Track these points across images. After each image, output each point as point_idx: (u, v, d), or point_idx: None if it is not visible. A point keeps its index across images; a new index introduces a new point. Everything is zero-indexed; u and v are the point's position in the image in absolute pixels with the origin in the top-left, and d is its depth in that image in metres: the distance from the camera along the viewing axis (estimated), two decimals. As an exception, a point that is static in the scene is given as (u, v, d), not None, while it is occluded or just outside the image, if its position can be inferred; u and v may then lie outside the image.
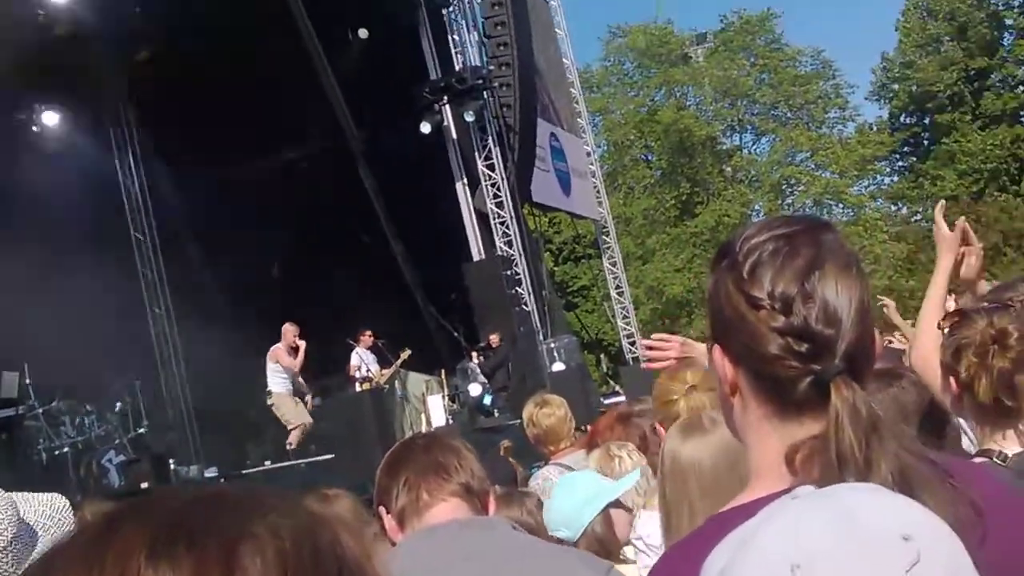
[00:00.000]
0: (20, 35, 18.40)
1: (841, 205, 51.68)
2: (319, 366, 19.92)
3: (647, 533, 3.69)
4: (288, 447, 17.23)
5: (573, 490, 3.94)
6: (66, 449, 15.08)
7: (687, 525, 2.71)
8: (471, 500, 2.85)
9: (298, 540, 0.84)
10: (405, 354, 18.68)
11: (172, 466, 16.00)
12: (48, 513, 2.51)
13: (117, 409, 16.70)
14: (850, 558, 0.97)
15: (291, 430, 17.04)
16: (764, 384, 1.61)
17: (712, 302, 1.69)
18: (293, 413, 17.09)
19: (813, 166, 53.19)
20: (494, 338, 20.86)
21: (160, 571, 0.79)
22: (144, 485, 13.61)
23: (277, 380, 17.15)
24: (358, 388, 18.08)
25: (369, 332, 18.83)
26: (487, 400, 19.87)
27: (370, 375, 18.13)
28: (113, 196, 20.48)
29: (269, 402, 17.23)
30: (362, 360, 18.54)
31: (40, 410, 15.08)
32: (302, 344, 17.03)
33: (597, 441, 5.46)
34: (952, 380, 3.02)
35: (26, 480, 14.08)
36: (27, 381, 15.02)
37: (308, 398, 17.92)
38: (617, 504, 3.94)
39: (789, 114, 54.84)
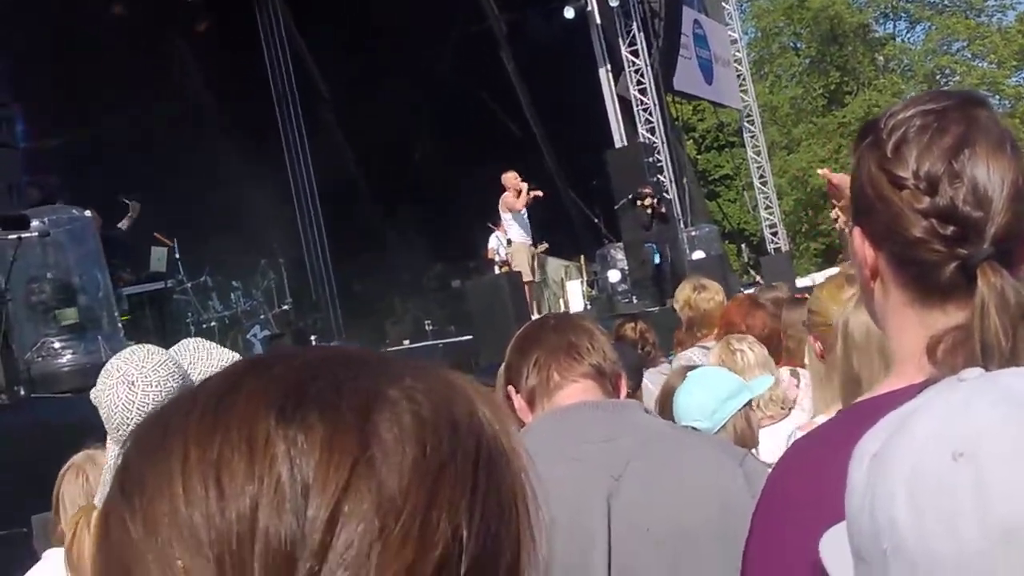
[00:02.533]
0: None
1: (999, 97, 49.84)
2: (462, 250, 20.14)
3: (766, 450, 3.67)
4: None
5: (712, 383, 3.89)
6: (213, 323, 15.48)
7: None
8: (602, 382, 2.79)
9: (436, 406, 0.79)
10: (542, 246, 18.70)
11: (314, 342, 16.35)
12: (208, 361, 2.61)
13: (263, 286, 17.09)
14: (1019, 446, 0.92)
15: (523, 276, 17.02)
16: (907, 269, 1.53)
17: (854, 182, 1.61)
18: (524, 266, 17.19)
19: (970, 56, 51.34)
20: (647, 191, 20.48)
21: (290, 437, 0.74)
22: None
23: (513, 230, 17.32)
24: (496, 271, 18.20)
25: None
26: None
27: (507, 258, 18.21)
28: (261, 82, 20.77)
29: (506, 252, 17.42)
30: (499, 243, 18.63)
31: (188, 284, 15.47)
32: (524, 186, 17.11)
33: (726, 330, 5.43)
34: None
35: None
36: (176, 256, 15.42)
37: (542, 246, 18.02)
38: (750, 406, 3.91)
39: (946, 1, 52.93)
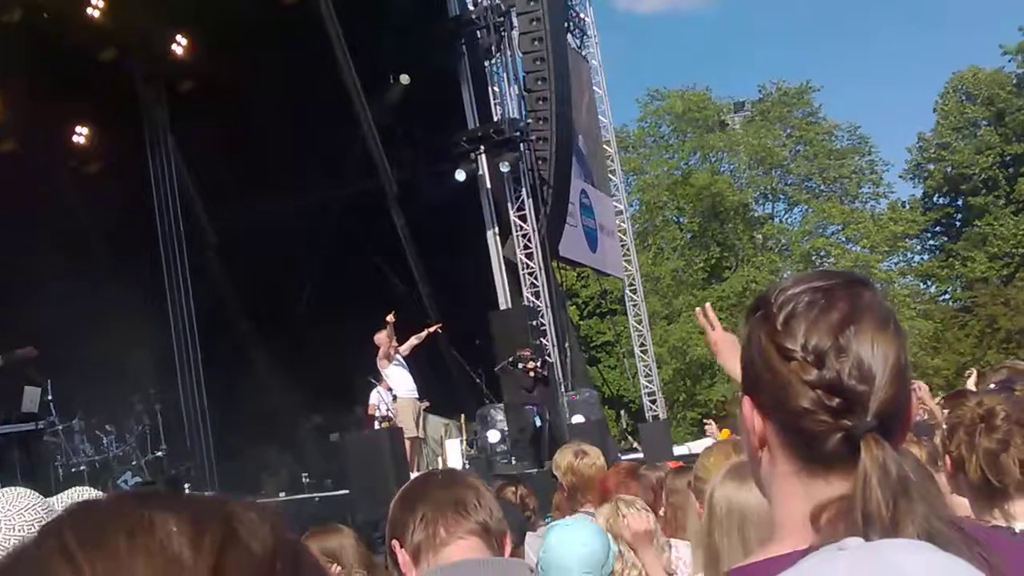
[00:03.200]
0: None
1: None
2: (342, 402, 19.94)
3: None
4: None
5: (571, 544, 3.85)
6: (83, 467, 15.08)
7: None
8: (488, 539, 2.78)
9: (272, 525, 0.89)
10: (423, 404, 18.64)
11: (187, 490, 15.97)
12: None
13: (137, 431, 16.72)
14: None
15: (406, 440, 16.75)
16: (793, 439, 1.56)
17: (744, 354, 1.66)
18: (410, 422, 16.89)
19: (844, 239, 53.12)
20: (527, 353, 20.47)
21: (161, 516, 0.83)
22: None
23: (399, 384, 16.98)
24: (376, 426, 18.04)
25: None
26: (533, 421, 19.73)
27: (389, 414, 18.07)
28: (147, 220, 20.61)
29: (392, 406, 17.09)
30: (381, 399, 18.51)
31: (60, 427, 15.09)
32: (390, 318, 16.79)
33: (603, 496, 5.44)
34: (948, 458, 3.02)
35: (43, 494, 14.09)
36: (49, 397, 15.05)
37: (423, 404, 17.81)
38: None
39: (823, 186, 54.87)
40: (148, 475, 15.91)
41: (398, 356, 17.10)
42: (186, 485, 16.19)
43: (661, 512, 5.29)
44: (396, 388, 17.09)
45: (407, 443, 16.26)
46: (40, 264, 18.44)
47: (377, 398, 18.46)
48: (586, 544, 3.83)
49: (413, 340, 17.56)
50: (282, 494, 17.99)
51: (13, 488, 2.52)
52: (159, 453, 16.83)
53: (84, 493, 2.57)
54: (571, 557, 3.74)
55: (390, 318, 16.74)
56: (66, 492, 2.58)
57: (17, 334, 15.82)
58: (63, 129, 21.38)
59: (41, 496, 2.49)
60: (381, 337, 16.91)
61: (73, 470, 14.95)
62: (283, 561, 0.85)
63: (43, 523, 2.34)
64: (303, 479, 18.32)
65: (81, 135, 21.82)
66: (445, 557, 2.70)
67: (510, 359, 20.53)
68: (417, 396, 17.35)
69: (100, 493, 2.58)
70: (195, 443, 19.70)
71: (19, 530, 2.38)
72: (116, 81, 20.45)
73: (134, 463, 15.96)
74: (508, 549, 2.87)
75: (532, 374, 20.22)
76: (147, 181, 20.74)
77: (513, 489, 7.43)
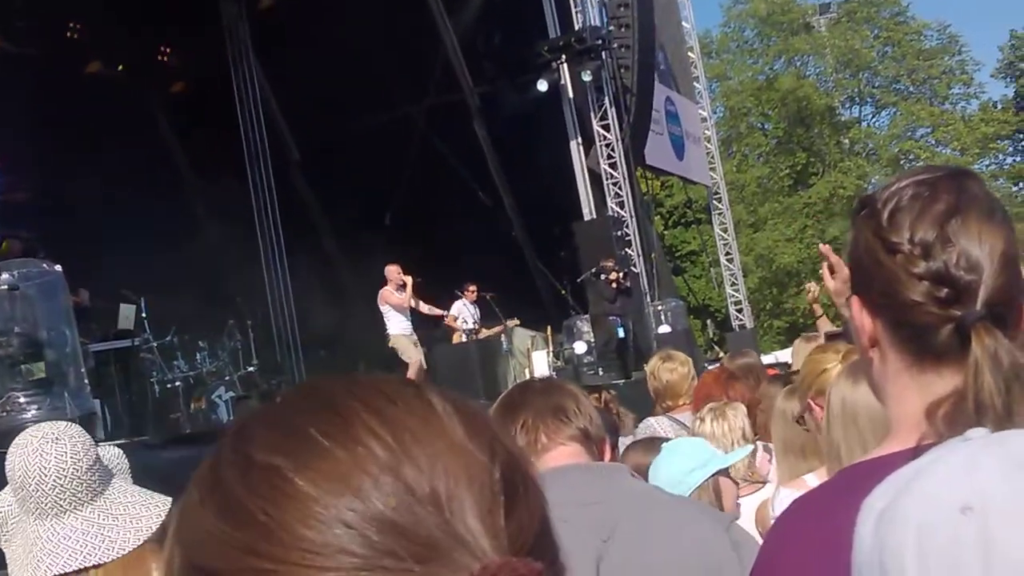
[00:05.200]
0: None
1: (962, 184, 50.40)
2: (425, 316, 20.13)
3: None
4: None
5: (681, 454, 3.87)
6: (177, 383, 15.39)
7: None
8: (588, 445, 2.78)
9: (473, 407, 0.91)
10: (513, 322, 18.81)
11: (280, 403, 16.24)
12: (113, 456, 2.59)
13: (229, 347, 17.01)
14: (1022, 503, 0.94)
15: (410, 366, 17.03)
16: (903, 334, 1.56)
17: (851, 253, 1.66)
18: (411, 351, 17.12)
19: (933, 142, 52.09)
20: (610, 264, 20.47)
21: (436, 399, 0.87)
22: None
23: (393, 322, 17.21)
24: (454, 339, 18.25)
25: (474, 287, 18.91)
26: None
27: (473, 326, 18.24)
28: (232, 139, 20.81)
29: (390, 344, 17.31)
30: (461, 312, 18.66)
31: (155, 343, 15.39)
32: (408, 279, 17.06)
33: (704, 401, 5.45)
34: None
35: (139, 410, 14.48)
36: (143, 315, 15.34)
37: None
38: (725, 474, 3.88)
39: (911, 88, 53.75)
40: (241, 390, 16.21)
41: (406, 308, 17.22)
42: (278, 400, 16.48)
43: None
44: (390, 325, 17.18)
45: (416, 366, 16.66)
46: (129, 184, 18.75)
47: (458, 309, 18.62)
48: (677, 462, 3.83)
49: (424, 308, 17.62)
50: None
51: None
52: (251, 368, 17.13)
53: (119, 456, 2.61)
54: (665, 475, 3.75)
55: (410, 280, 16.94)
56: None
57: (110, 254, 16.16)
58: (148, 50, 21.56)
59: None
60: (393, 273, 17.04)
61: (168, 385, 15.28)
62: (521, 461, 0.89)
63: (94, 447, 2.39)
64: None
65: (166, 55, 21.99)
66: (546, 463, 2.71)
67: (593, 270, 20.50)
68: (411, 331, 17.42)
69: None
70: (285, 358, 20.03)
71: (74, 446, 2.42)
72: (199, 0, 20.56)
73: (227, 378, 16.25)
74: (608, 454, 2.88)
75: (615, 285, 20.18)
76: (231, 100, 20.90)
77: (597, 396, 7.48)
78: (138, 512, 2.41)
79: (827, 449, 2.97)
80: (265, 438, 0.84)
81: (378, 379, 0.89)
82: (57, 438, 2.41)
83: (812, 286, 10.03)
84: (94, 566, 2.33)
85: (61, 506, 2.34)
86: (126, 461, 2.59)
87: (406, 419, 0.83)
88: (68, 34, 18.68)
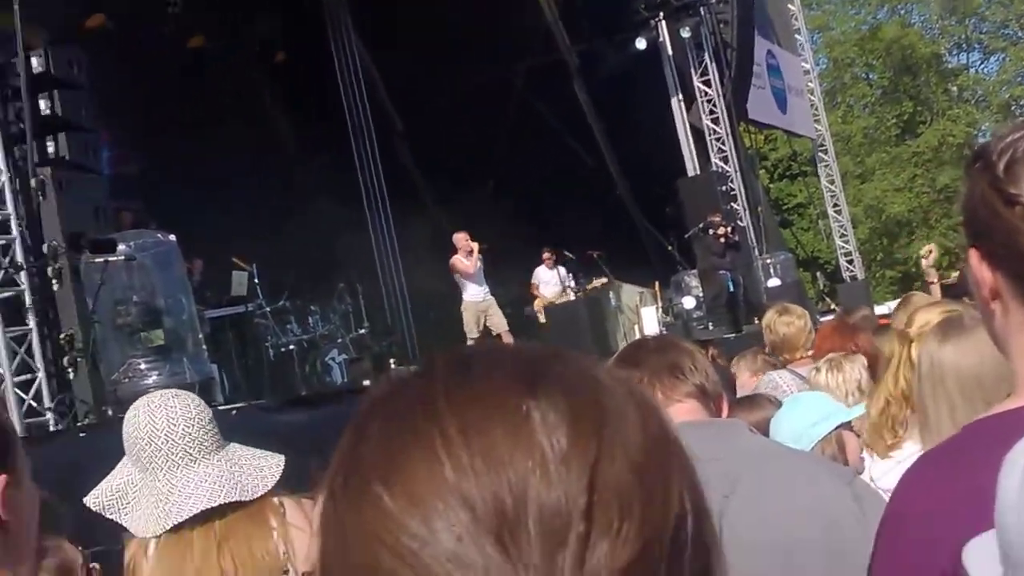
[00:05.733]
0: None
1: (1074, 127, 48.99)
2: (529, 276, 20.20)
3: (879, 476, 3.62)
4: None
5: (804, 407, 3.86)
6: (292, 346, 15.61)
7: (948, 430, 2.65)
8: (705, 402, 2.79)
9: (638, 391, 0.87)
10: (599, 281, 18.90)
11: (392, 365, 16.45)
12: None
13: (340, 310, 17.23)
14: None
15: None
16: None
17: (966, 206, 1.62)
18: (468, 325, 17.37)
19: (1045, 86, 50.79)
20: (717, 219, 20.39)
21: (542, 409, 0.80)
22: (366, 383, 13.99)
23: (465, 290, 17.45)
24: (536, 305, 18.48)
25: (549, 252, 19.26)
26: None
27: (563, 287, 18.47)
28: (334, 109, 21.00)
29: (461, 309, 17.56)
30: (540, 278, 18.95)
31: (268, 308, 15.64)
32: (475, 245, 17.21)
33: (826, 353, 5.42)
34: None
35: (255, 374, 14.75)
36: (256, 281, 15.60)
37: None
38: (848, 427, 3.85)
39: (1020, 33, 52.25)
40: (354, 352, 16.42)
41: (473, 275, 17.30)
42: (391, 361, 16.66)
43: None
44: (464, 294, 17.35)
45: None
46: (236, 155, 19.04)
47: (537, 277, 18.96)
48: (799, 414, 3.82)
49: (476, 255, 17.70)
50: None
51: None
52: (362, 331, 17.34)
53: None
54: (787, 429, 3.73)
55: (476, 246, 17.21)
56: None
57: (221, 225, 16.46)
58: (249, 22, 21.79)
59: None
60: (461, 240, 17.16)
61: (283, 349, 15.52)
62: (656, 455, 0.83)
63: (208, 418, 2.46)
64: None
65: (266, 25, 22.21)
66: (664, 420, 2.71)
67: (700, 225, 20.39)
68: (483, 298, 17.49)
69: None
70: (395, 320, 20.25)
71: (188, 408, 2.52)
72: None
73: (340, 341, 16.47)
74: (726, 410, 2.89)
75: (723, 239, 20.06)
76: (332, 70, 21.08)
77: (704, 351, 7.44)
78: (259, 463, 2.51)
79: (917, 405, 2.95)
80: (360, 450, 0.83)
81: (479, 375, 0.84)
82: (176, 395, 2.55)
83: (931, 250, 9.88)
84: (217, 511, 2.42)
85: (191, 455, 2.45)
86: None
87: (492, 433, 0.79)
88: (169, 9, 18.93)
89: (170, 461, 2.45)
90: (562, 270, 19.57)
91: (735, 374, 7.01)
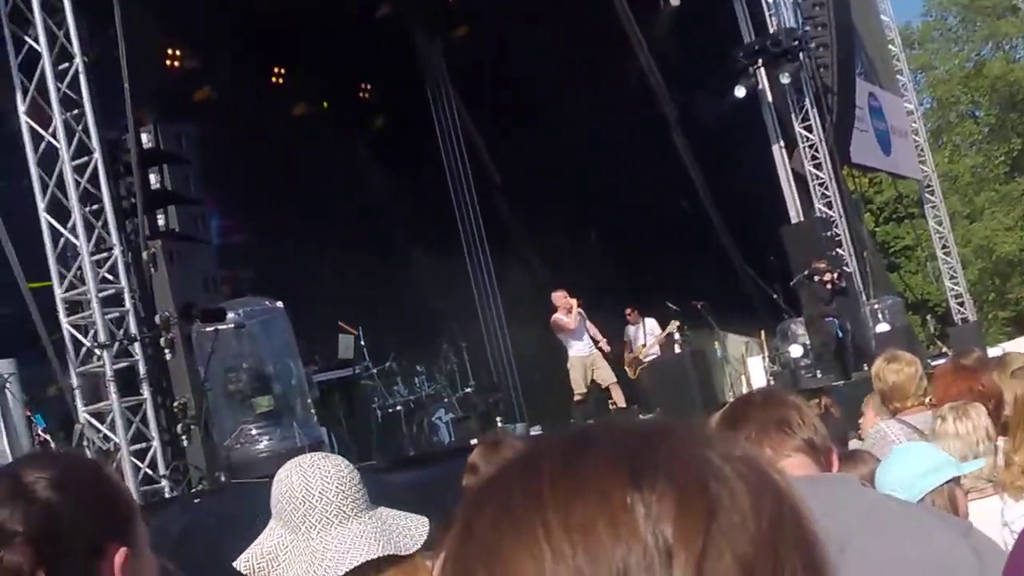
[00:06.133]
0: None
1: None
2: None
3: (1013, 519, 3.54)
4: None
5: (914, 457, 3.77)
6: (399, 407, 15.70)
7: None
8: (815, 456, 2.75)
9: (755, 473, 0.84)
10: (673, 327, 18.85)
11: (499, 423, 16.48)
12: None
13: (446, 369, 17.32)
14: None
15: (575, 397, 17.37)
16: None
17: None
18: (576, 381, 17.40)
19: None
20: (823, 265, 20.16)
21: (646, 500, 0.78)
22: (473, 441, 14.04)
23: (570, 347, 17.50)
24: (626, 363, 18.41)
25: (630, 309, 19.42)
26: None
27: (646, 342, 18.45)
28: (437, 171, 21.26)
29: (568, 367, 17.58)
30: (629, 336, 18.96)
31: (375, 370, 15.77)
32: (574, 302, 17.23)
33: (947, 398, 5.31)
34: None
35: (364, 436, 14.88)
36: (362, 343, 15.76)
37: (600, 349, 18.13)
38: (958, 483, 3.76)
39: (1125, 63, 51.23)
40: (460, 411, 16.48)
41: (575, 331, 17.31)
42: (498, 419, 16.69)
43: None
44: (569, 351, 17.33)
45: (577, 398, 17.25)
46: (340, 219, 19.34)
47: (628, 335, 18.85)
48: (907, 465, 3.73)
49: (591, 329, 17.64)
50: (590, 420, 18.31)
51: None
52: (468, 389, 17.40)
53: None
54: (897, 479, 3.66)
55: (575, 303, 17.23)
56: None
57: (327, 290, 16.68)
58: (349, 88, 22.21)
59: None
60: (560, 299, 17.16)
61: (390, 411, 15.63)
62: (767, 543, 0.80)
63: (356, 483, 2.50)
64: (609, 407, 18.60)
65: (367, 91, 22.60)
66: (773, 478, 2.67)
67: (806, 272, 20.17)
68: (588, 352, 17.45)
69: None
70: (501, 377, 20.30)
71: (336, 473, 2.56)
72: (394, 35, 21.08)
73: (446, 400, 16.56)
74: (836, 464, 2.84)
75: (829, 286, 19.81)
76: (432, 130, 21.35)
77: (817, 401, 7.35)
78: (407, 523, 2.56)
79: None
80: (467, 542, 0.83)
81: (583, 464, 0.82)
82: (326, 456, 2.63)
83: None
84: (374, 568, 2.47)
85: (345, 512, 2.50)
86: None
87: (595, 526, 0.78)
88: (273, 79, 19.38)
89: (324, 520, 2.51)
90: (649, 322, 19.52)
91: (863, 412, 6.88)
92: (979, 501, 4.48)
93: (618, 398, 17.54)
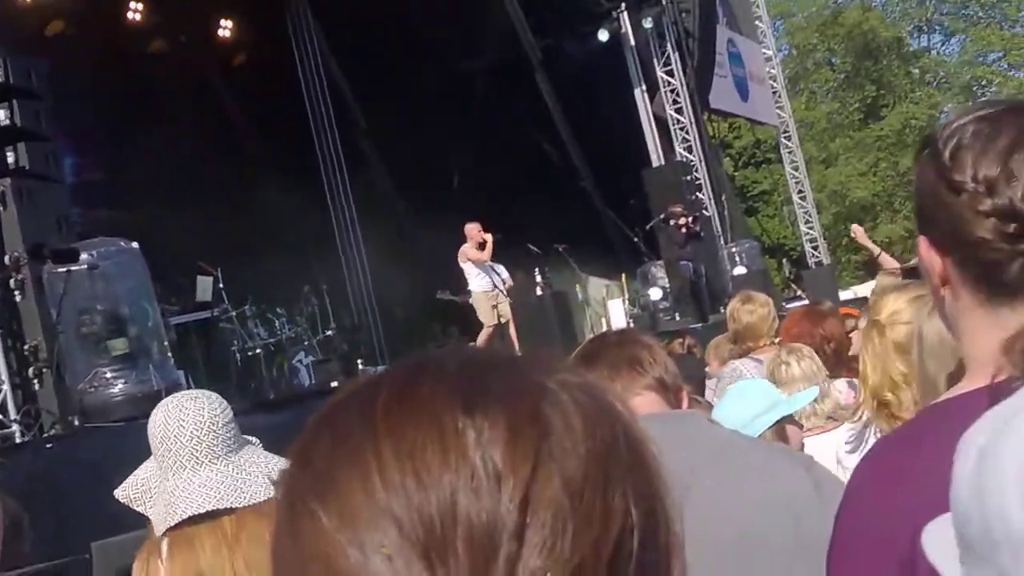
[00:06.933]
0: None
1: (1035, 106, 49.34)
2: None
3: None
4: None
5: (747, 398, 3.83)
6: (258, 350, 15.57)
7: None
8: (665, 395, 2.79)
9: (590, 396, 0.84)
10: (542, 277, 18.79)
11: (360, 366, 16.43)
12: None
13: (306, 312, 17.18)
14: None
15: (483, 330, 17.12)
16: (973, 271, 1.55)
17: (916, 193, 1.65)
18: (484, 315, 17.18)
19: (1006, 66, 51.04)
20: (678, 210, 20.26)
21: (477, 427, 0.78)
22: (334, 384, 13.97)
23: (474, 280, 17.23)
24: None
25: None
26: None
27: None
28: (297, 108, 20.94)
29: (470, 302, 17.34)
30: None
31: (233, 313, 15.57)
32: (488, 237, 17.02)
33: (796, 339, 5.44)
34: None
35: (222, 379, 14.70)
36: (220, 285, 15.53)
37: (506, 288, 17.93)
38: (791, 420, 3.86)
39: (981, 13, 52.57)
40: (321, 354, 16.38)
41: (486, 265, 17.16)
42: (359, 361, 16.64)
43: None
44: (472, 283, 17.12)
45: (486, 331, 16.61)
46: (199, 158, 18.94)
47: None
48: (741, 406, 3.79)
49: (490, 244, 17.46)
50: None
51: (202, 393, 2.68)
52: (329, 332, 17.29)
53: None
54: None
55: (490, 238, 16.81)
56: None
57: (184, 229, 16.36)
58: (208, 25, 21.70)
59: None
60: (473, 231, 16.95)
61: (249, 353, 15.48)
62: (598, 469, 0.80)
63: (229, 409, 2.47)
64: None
65: (226, 28, 22.11)
66: (624, 414, 2.70)
67: (662, 216, 20.42)
68: (493, 287, 17.27)
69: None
70: (362, 319, 20.21)
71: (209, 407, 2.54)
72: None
73: (306, 343, 16.44)
74: (686, 403, 2.88)
75: (684, 230, 20.09)
76: (294, 69, 21.01)
77: (681, 341, 7.48)
78: (269, 471, 2.53)
79: (920, 384, 2.95)
80: (303, 467, 0.83)
81: (419, 390, 0.82)
82: (196, 397, 2.57)
83: (857, 228, 10.08)
84: (227, 510, 2.45)
85: (198, 459, 2.48)
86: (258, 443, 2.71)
87: (425, 452, 0.78)
88: (129, 14, 18.84)
89: (178, 463, 2.51)
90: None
91: (709, 354, 7.02)
92: (819, 436, 4.62)
93: (514, 335, 17.47)
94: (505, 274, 17.51)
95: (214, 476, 2.48)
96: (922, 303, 2.89)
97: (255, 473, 2.52)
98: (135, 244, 11.88)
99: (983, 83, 50.49)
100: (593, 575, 0.76)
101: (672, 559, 0.84)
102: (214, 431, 2.52)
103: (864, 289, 20.64)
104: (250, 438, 2.67)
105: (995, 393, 1.40)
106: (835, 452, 4.10)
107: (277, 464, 2.54)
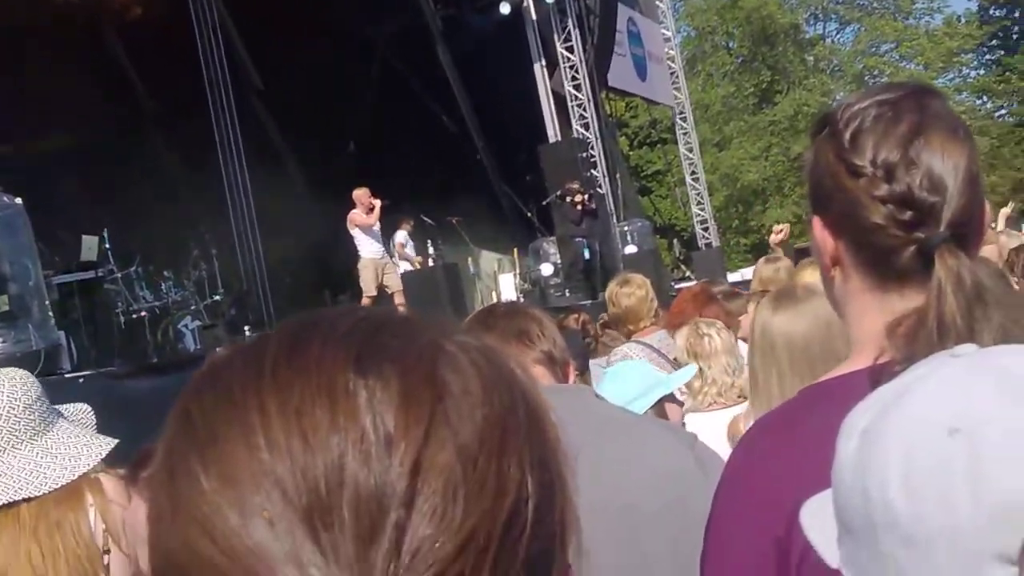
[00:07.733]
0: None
1: (925, 97, 50.36)
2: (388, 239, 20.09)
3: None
4: None
5: (625, 380, 3.84)
6: (143, 313, 15.27)
7: (776, 396, 2.70)
8: (552, 368, 2.78)
9: (489, 361, 0.81)
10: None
11: (247, 332, 16.23)
12: (79, 410, 2.60)
13: (194, 276, 16.92)
14: (1013, 424, 0.91)
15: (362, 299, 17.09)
16: (865, 255, 1.56)
17: (812, 173, 1.64)
18: (366, 282, 17.11)
19: (897, 57, 52.08)
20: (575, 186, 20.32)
21: (370, 387, 0.75)
22: (219, 350, 13.76)
23: (363, 246, 17.14)
24: (401, 265, 18.25)
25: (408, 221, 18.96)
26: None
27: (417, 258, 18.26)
28: (192, 66, 20.55)
29: (358, 266, 17.24)
30: (408, 239, 18.66)
31: (119, 274, 15.26)
32: (377, 203, 16.94)
33: (679, 319, 5.46)
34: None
35: (105, 341, 14.41)
36: (106, 246, 15.20)
37: (394, 258, 17.83)
38: (671, 398, 3.88)
39: (875, 3, 53.53)
40: (207, 319, 16.14)
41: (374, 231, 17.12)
42: (246, 328, 16.44)
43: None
44: (361, 249, 17.10)
45: (364, 302, 16.50)
46: (88, 115, 18.52)
47: (404, 237, 18.61)
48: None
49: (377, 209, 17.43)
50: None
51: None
52: (217, 297, 17.06)
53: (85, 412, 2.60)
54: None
55: (379, 204, 16.84)
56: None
57: (71, 186, 16.01)
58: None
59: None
60: (362, 196, 16.90)
61: (134, 316, 15.18)
62: (494, 435, 0.77)
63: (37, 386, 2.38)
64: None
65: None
66: (511, 387, 2.68)
67: (558, 193, 20.50)
68: (381, 256, 17.28)
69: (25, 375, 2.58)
70: (251, 286, 19.95)
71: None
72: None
73: (193, 307, 16.19)
74: (572, 377, 2.88)
75: (580, 207, 20.19)
76: (191, 26, 20.61)
77: (576, 316, 7.50)
78: (77, 452, 2.43)
79: (749, 372, 3.02)
80: (185, 426, 0.79)
81: (310, 348, 0.79)
82: None
83: (783, 230, 10.23)
84: (24, 500, 2.35)
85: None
86: (92, 417, 2.60)
87: (313, 412, 0.75)
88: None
89: None
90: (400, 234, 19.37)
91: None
92: (730, 409, 4.66)
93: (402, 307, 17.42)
94: (409, 244, 17.47)
95: (15, 463, 2.38)
96: (781, 292, 2.98)
97: (61, 455, 2.43)
98: (18, 200, 11.58)
99: (875, 73, 51.40)
100: (486, 544, 0.74)
101: (568, 530, 0.82)
102: (14, 416, 2.41)
103: (751, 272, 20.94)
104: (64, 410, 2.56)
105: (876, 375, 1.41)
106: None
107: (88, 441, 2.46)
